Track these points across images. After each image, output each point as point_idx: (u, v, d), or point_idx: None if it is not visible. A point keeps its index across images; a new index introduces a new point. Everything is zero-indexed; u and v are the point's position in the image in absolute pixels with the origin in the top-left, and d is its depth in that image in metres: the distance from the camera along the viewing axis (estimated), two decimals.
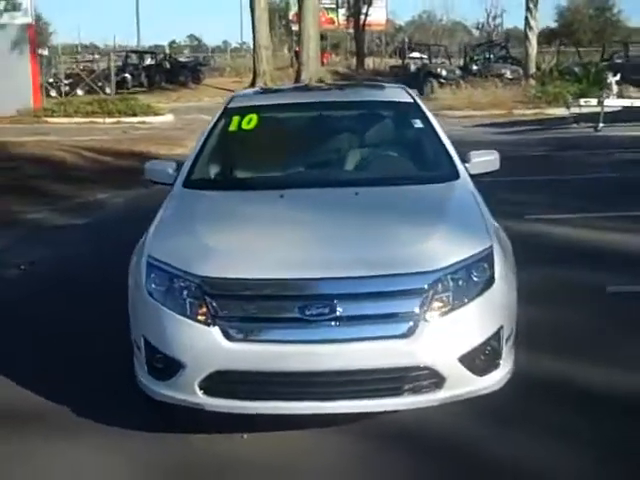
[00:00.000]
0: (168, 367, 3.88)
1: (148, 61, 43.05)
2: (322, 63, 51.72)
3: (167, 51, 63.00)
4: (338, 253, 3.95)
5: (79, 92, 33.54)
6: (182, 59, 47.48)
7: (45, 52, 39.98)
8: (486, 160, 5.22)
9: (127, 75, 40.71)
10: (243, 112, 5.59)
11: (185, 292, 3.87)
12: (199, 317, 3.81)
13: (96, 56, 45.10)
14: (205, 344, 3.77)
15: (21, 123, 22.24)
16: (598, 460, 3.76)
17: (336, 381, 3.76)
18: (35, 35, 25.48)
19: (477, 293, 3.92)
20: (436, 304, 3.80)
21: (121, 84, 39.13)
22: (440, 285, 3.83)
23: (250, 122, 5.48)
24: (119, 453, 3.96)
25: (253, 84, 40.26)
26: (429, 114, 5.46)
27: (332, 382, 3.76)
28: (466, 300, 3.88)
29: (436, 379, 3.79)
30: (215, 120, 5.58)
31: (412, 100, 5.58)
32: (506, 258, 4.21)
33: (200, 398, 3.84)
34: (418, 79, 33.39)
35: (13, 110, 23.27)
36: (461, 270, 3.91)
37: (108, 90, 36.19)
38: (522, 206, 9.03)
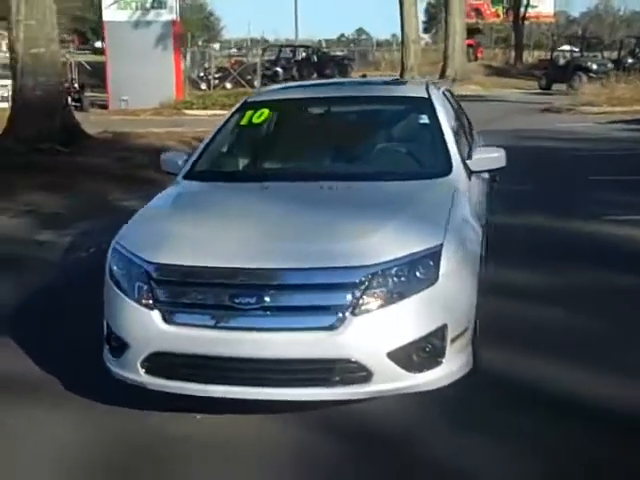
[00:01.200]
0: (119, 347, 4.10)
1: (303, 55, 43.97)
2: (476, 57, 51.03)
3: (324, 45, 63.86)
4: (278, 245, 4.03)
5: (227, 85, 34.66)
6: (338, 53, 47.95)
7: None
8: (489, 157, 5.13)
9: (278, 69, 41.67)
10: (257, 106, 5.73)
11: (135, 276, 4.06)
12: (143, 300, 3.99)
13: (255, 50, 46.33)
14: (146, 326, 3.96)
15: (161, 115, 23.35)
16: None
17: (264, 368, 3.83)
18: (180, 31, 26.56)
19: (416, 290, 3.88)
20: (368, 299, 3.80)
21: (273, 77, 40.24)
22: (375, 280, 3.82)
23: (260, 116, 5.61)
24: (71, 423, 4.18)
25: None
26: (440, 110, 5.38)
27: (260, 369, 3.84)
28: (402, 296, 3.85)
29: (364, 373, 3.79)
30: (230, 114, 5.75)
31: (426, 96, 5.52)
32: (466, 257, 4.14)
33: (142, 377, 4.03)
34: (566, 73, 32.36)
35: (157, 102, 24.44)
36: (401, 266, 3.88)
37: (256, 83, 37.40)
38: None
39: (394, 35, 64.15)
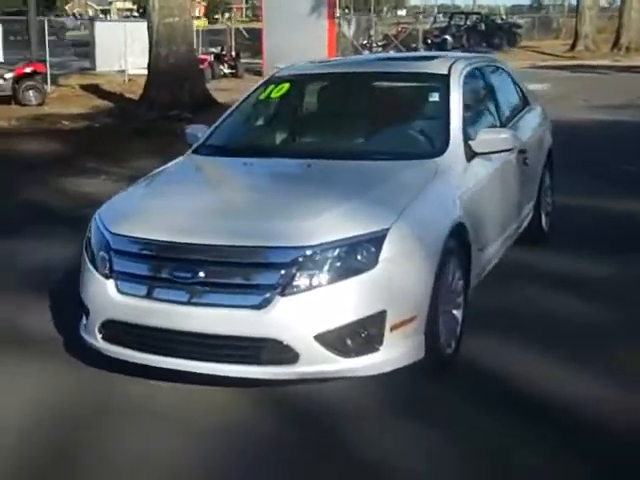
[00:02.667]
0: (84, 313, 4.33)
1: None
2: None
3: (502, 12, 62.12)
4: (223, 221, 4.11)
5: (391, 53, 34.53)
6: (507, 20, 46.51)
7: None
8: (494, 138, 4.94)
9: (447, 37, 41.08)
10: (279, 81, 5.77)
11: (101, 246, 4.28)
12: (102, 270, 4.19)
13: (422, 17, 45.90)
14: (102, 294, 4.16)
15: None
16: None
17: (198, 342, 3.93)
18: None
19: (352, 274, 3.85)
20: (299, 280, 3.81)
21: (442, 45, 39.73)
22: (308, 261, 3.82)
23: (280, 91, 5.65)
24: (39, 377, 4.46)
25: (573, 47, 38.72)
26: (455, 88, 5.19)
27: (195, 343, 3.93)
28: (336, 279, 3.83)
29: (291, 354, 3.82)
30: (254, 88, 5.82)
31: (445, 72, 5.35)
32: (420, 245, 4.06)
33: (99, 343, 4.24)
34: None
35: None
36: (339, 249, 3.86)
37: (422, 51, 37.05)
38: None
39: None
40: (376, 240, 3.90)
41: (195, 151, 5.34)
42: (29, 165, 10.63)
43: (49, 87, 19.95)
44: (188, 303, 3.93)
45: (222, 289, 3.91)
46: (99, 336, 4.23)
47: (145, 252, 4.10)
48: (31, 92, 17.51)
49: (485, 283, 5.27)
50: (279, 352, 3.83)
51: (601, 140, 12.51)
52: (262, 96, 5.73)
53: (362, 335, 3.89)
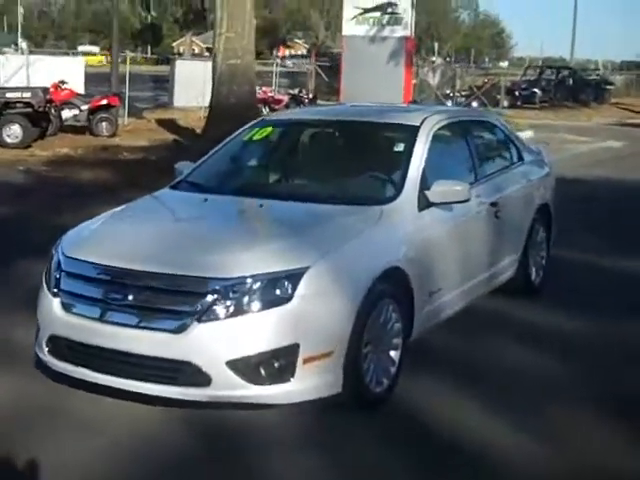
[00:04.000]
0: (37, 328, 4.69)
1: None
2: None
3: (600, 67, 61.35)
4: (159, 251, 4.41)
5: (474, 104, 34.54)
6: (594, 76, 45.99)
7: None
8: (448, 190, 5.12)
9: (537, 90, 40.81)
10: (263, 125, 6.10)
11: (55, 267, 4.64)
12: (52, 289, 4.55)
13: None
14: (49, 311, 4.52)
15: None
16: None
17: (125, 361, 4.22)
18: (412, 47, 27.04)
19: (268, 306, 4.09)
20: (216, 308, 4.08)
21: (530, 98, 39.55)
22: (226, 292, 4.09)
23: (262, 134, 5.97)
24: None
25: None
26: (422, 140, 5.38)
27: (122, 361, 4.23)
28: (250, 310, 4.08)
29: (204, 377, 4.07)
30: (241, 130, 6.15)
31: (417, 124, 5.56)
32: (341, 286, 4.26)
33: (46, 356, 4.58)
34: None
35: None
36: (259, 282, 4.10)
37: (506, 104, 37.03)
38: None
39: None
40: (294, 277, 4.13)
41: (174, 186, 5.67)
42: (76, 192, 11.23)
43: (126, 119, 20.82)
44: (117, 323, 4.23)
45: (147, 312, 4.20)
46: (46, 350, 4.56)
47: (86, 274, 4.43)
48: (104, 124, 18.35)
49: (450, 327, 5.49)
50: (194, 375, 4.09)
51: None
52: (245, 138, 6.05)
53: (274, 365, 4.10)
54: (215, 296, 4.09)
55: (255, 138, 5.99)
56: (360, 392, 4.42)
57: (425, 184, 5.16)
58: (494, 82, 37.65)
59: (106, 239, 4.73)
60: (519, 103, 37.70)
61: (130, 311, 4.23)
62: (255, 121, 6.23)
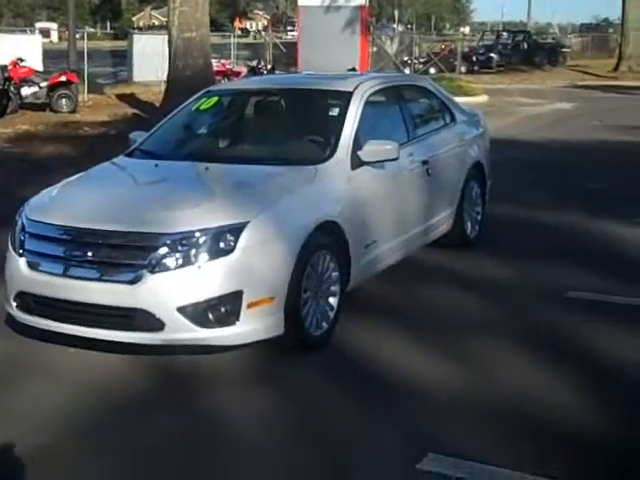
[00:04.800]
0: (5, 287, 5.14)
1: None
2: None
3: (556, 30, 62.13)
4: (114, 211, 4.88)
5: (431, 70, 35.00)
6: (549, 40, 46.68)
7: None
8: (378, 149, 5.59)
9: (493, 55, 41.41)
10: (210, 95, 6.56)
11: (20, 230, 5.08)
12: (18, 249, 5.00)
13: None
14: (15, 270, 4.96)
15: None
16: None
17: (85, 311, 4.68)
18: (367, 16, 27.45)
19: (213, 257, 4.57)
20: (166, 260, 4.55)
21: (486, 63, 40.13)
22: (175, 245, 4.56)
23: (209, 103, 6.43)
24: None
25: (616, 68, 38.72)
26: (355, 104, 5.84)
27: (83, 311, 4.69)
28: (197, 261, 4.56)
29: (157, 322, 4.56)
30: (189, 100, 6.60)
31: (350, 90, 6.03)
32: (280, 238, 4.75)
33: (14, 311, 5.04)
34: None
35: None
36: (202, 236, 4.57)
37: (463, 69, 37.58)
38: None
39: None
40: (236, 230, 4.61)
41: (128, 154, 6.12)
42: (37, 166, 11.59)
43: (86, 96, 21.04)
44: (78, 277, 4.69)
45: (104, 266, 4.67)
46: (14, 305, 5.02)
47: (48, 234, 4.88)
48: (64, 100, 18.60)
49: (387, 277, 6.03)
50: (148, 321, 4.56)
51: (592, 159, 12.97)
52: (193, 107, 6.50)
53: (221, 310, 4.59)
54: (165, 249, 4.56)
55: (202, 107, 6.44)
56: (301, 334, 4.92)
57: (358, 145, 5.63)
58: (451, 48, 38.17)
59: (66, 202, 5.18)
60: (476, 68, 38.29)
61: (90, 266, 4.69)
62: (202, 92, 6.67)
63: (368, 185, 5.66)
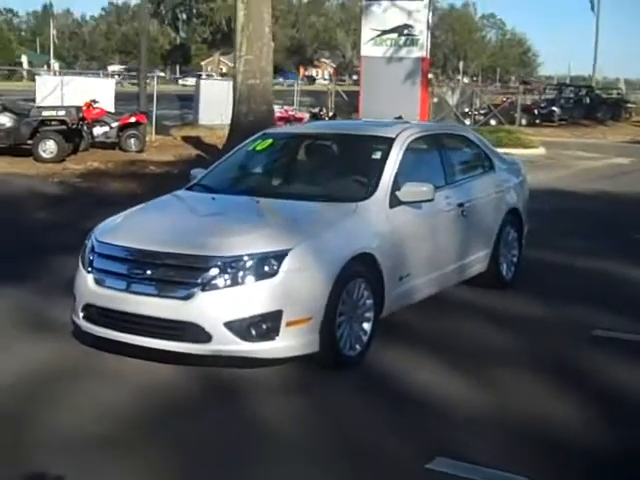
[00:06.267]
0: (74, 299, 5.76)
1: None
2: None
3: (623, 86, 62.07)
4: (173, 236, 5.50)
5: (492, 122, 35.45)
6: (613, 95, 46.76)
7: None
8: (415, 191, 6.12)
9: (555, 108, 41.62)
10: (264, 138, 7.19)
11: (89, 250, 5.72)
12: (87, 267, 5.63)
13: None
14: (84, 285, 5.59)
15: None
16: None
17: (143, 322, 5.27)
18: (427, 67, 28.10)
19: (257, 279, 5.13)
20: (217, 280, 5.12)
21: (548, 116, 40.36)
22: (225, 267, 5.13)
23: (263, 145, 7.05)
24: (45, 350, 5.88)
25: None
26: (396, 149, 6.38)
27: (141, 323, 5.27)
28: (245, 282, 5.12)
29: (205, 335, 5.12)
30: (245, 142, 7.23)
31: (393, 136, 6.58)
32: (318, 264, 5.28)
33: (81, 322, 5.66)
34: None
35: None
36: (251, 260, 5.15)
37: (524, 122, 37.90)
38: None
39: None
40: (279, 256, 5.17)
41: (188, 188, 6.76)
42: (104, 199, 12.37)
43: (153, 136, 22.04)
44: (138, 293, 5.29)
45: (162, 284, 5.26)
46: (81, 315, 5.63)
47: (114, 254, 5.51)
48: (132, 140, 19.57)
49: (422, 309, 6.55)
50: (197, 333, 5.13)
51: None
52: (249, 148, 7.14)
53: (262, 326, 5.14)
54: (216, 270, 5.13)
55: (257, 149, 7.07)
56: (334, 353, 5.43)
57: (397, 186, 6.16)
58: (512, 100, 38.57)
59: (130, 227, 5.82)
60: (538, 121, 38.52)
61: (149, 283, 5.29)
62: (259, 134, 7.30)
63: (405, 223, 6.17)
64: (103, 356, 5.66)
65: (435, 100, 34.44)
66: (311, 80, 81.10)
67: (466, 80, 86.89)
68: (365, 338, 5.73)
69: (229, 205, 6.26)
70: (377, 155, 6.45)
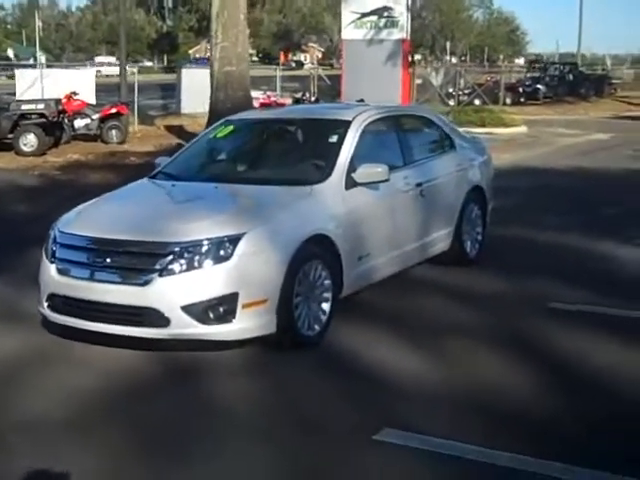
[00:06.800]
0: (39, 290, 5.91)
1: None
2: None
3: (609, 63, 62.16)
4: (131, 223, 5.65)
5: (476, 102, 35.48)
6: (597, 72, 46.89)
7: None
8: (370, 172, 6.26)
9: (540, 86, 41.74)
10: (226, 124, 7.32)
11: (52, 240, 5.87)
12: (49, 257, 5.78)
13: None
14: (47, 275, 5.73)
15: None
16: None
17: (103, 309, 5.42)
18: (408, 49, 28.16)
19: (213, 263, 5.28)
20: (173, 265, 5.27)
21: (533, 94, 40.47)
22: (181, 252, 5.28)
23: (225, 132, 7.19)
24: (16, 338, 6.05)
25: None
26: (352, 132, 6.52)
27: (101, 310, 5.42)
28: (200, 266, 5.27)
29: (164, 319, 5.27)
30: (209, 129, 7.37)
31: (350, 119, 6.72)
32: (272, 247, 5.43)
33: (46, 311, 5.80)
34: None
35: None
36: (204, 244, 5.29)
37: (509, 101, 38.02)
38: None
39: None
40: (234, 240, 5.32)
41: (151, 177, 6.90)
42: (83, 191, 12.44)
43: (136, 127, 22.12)
44: (100, 281, 5.44)
45: (120, 270, 5.41)
46: (45, 305, 5.78)
47: (76, 244, 5.65)
48: (114, 131, 19.67)
49: (385, 290, 6.69)
50: (156, 318, 5.28)
51: (611, 184, 13.51)
52: (211, 136, 7.29)
53: (219, 309, 5.29)
54: (173, 256, 5.28)
55: (219, 136, 7.22)
56: (292, 333, 5.58)
57: (353, 168, 6.30)
58: (496, 80, 38.66)
59: (91, 217, 5.97)
60: (523, 99, 38.63)
61: (110, 271, 5.44)
62: (220, 121, 7.44)
63: (362, 204, 6.32)
64: (70, 344, 5.80)
65: (419, 81, 34.51)
66: (299, 65, 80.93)
67: (454, 60, 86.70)
68: (324, 318, 5.87)
69: (188, 192, 6.41)
70: (334, 138, 6.59)
